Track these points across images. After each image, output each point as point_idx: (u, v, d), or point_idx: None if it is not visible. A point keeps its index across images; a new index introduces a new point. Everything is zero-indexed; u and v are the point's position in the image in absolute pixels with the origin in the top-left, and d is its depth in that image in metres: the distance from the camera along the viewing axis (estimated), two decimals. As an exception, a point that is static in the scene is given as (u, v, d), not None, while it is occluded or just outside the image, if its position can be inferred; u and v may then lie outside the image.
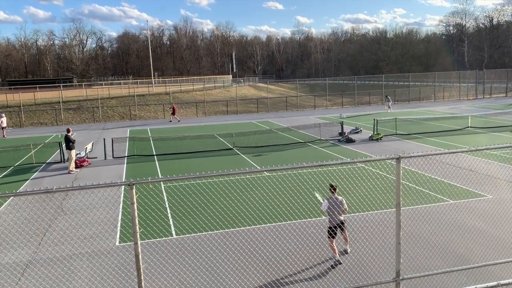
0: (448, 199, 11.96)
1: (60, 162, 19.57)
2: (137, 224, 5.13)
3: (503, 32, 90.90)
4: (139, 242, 5.22)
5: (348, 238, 8.86)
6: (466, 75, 58.05)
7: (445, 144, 20.62)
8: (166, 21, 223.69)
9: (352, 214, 10.70)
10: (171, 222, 10.99)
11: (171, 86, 59.88)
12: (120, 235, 10.27)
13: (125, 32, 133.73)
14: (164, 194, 13.53)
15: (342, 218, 8.46)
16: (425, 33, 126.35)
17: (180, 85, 61.19)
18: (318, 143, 22.47)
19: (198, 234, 10.09)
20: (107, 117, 41.04)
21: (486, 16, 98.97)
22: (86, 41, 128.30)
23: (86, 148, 19.97)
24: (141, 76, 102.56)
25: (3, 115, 31.78)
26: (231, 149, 21.50)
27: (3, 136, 30.45)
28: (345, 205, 8.52)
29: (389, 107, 38.45)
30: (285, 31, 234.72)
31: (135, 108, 43.05)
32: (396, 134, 23.90)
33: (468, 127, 25.24)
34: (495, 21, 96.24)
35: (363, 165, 16.29)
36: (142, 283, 5.33)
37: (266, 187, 13.47)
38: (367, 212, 11.04)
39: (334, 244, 8.37)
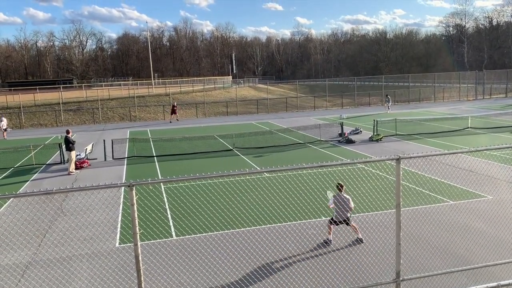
0: (448, 200, 11.96)
1: (60, 163, 19.58)
2: (137, 225, 5.14)
3: (503, 33, 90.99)
4: (139, 244, 5.22)
5: (357, 227, 9.30)
6: (466, 75, 58.06)
7: (445, 144, 20.62)
8: (166, 22, 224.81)
9: (352, 215, 10.67)
10: (171, 223, 10.98)
11: (171, 87, 59.95)
12: (120, 236, 10.27)
13: (125, 33, 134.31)
14: (164, 195, 13.52)
15: (348, 215, 8.93)
16: (424, 34, 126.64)
17: (180, 86, 61.20)
18: (318, 144, 22.47)
19: (198, 235, 10.08)
20: (107, 118, 41.05)
21: (485, 16, 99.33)
22: (86, 43, 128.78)
23: (86, 149, 19.98)
24: (141, 77, 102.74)
25: (4, 118, 31.81)
26: (231, 150, 21.50)
27: (3, 137, 30.48)
28: (352, 203, 9.02)
29: (388, 108, 38.00)
30: (285, 32, 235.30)
31: (135, 109, 43.06)
32: (396, 135, 23.89)
33: (468, 127, 25.24)
34: (494, 22, 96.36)
35: (363, 166, 16.30)
36: (142, 284, 5.33)
37: (266, 188, 13.47)
38: (367, 213, 11.04)
39: (331, 228, 9.11)
